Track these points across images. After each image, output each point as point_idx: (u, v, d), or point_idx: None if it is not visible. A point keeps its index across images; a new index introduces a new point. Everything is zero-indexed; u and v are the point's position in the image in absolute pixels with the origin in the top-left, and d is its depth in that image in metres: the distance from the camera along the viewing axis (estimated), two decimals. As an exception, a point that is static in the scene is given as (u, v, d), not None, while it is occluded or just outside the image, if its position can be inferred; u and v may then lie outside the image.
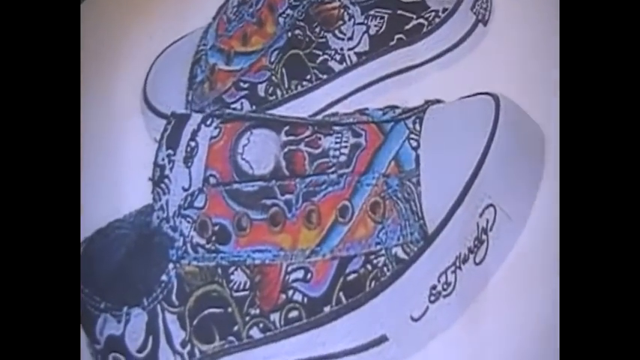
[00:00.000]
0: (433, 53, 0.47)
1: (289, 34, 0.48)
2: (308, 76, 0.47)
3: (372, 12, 0.48)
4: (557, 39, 0.36)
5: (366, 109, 0.45)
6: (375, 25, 0.47)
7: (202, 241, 0.41)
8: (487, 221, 0.40)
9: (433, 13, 0.47)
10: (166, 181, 0.42)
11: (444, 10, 0.47)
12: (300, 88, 0.47)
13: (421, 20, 0.47)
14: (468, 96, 0.43)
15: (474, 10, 0.47)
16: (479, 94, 0.43)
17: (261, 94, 0.48)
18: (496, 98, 0.42)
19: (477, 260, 0.40)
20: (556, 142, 0.39)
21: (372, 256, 0.40)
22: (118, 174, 0.47)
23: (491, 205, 0.40)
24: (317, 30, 0.48)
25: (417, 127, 0.42)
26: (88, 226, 0.44)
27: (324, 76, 0.47)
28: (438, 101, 0.44)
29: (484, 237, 0.40)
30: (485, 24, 0.47)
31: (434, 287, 0.39)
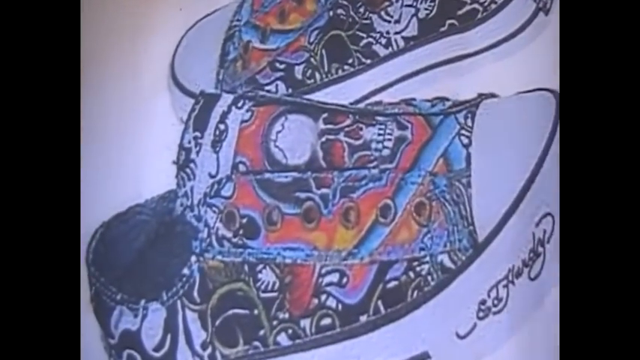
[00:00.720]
0: (488, 42, 0.45)
1: (331, 13, 0.46)
2: (350, 60, 0.46)
3: (421, -7, 0.47)
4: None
5: (413, 99, 0.43)
6: (425, 9, 0.46)
7: (228, 234, 0.40)
8: (544, 232, 0.38)
9: (489, -1, 0.46)
10: (192, 165, 0.41)
11: (501, -5, 0.46)
12: (341, 73, 0.46)
13: (475, 5, 0.45)
14: (526, 91, 0.42)
15: (534, -3, 0.46)
16: (538, 90, 0.41)
17: (299, 76, 0.46)
18: (557, 95, 0.41)
19: (532, 275, 0.38)
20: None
21: (416, 263, 0.38)
22: (141, 155, 0.45)
23: (549, 214, 0.38)
24: (361, 10, 0.46)
25: (469, 122, 0.41)
26: (106, 210, 0.43)
27: (368, 61, 0.46)
28: (493, 95, 0.42)
29: (540, 249, 0.38)
30: (546, 13, 0.45)
31: (483, 302, 0.37)
